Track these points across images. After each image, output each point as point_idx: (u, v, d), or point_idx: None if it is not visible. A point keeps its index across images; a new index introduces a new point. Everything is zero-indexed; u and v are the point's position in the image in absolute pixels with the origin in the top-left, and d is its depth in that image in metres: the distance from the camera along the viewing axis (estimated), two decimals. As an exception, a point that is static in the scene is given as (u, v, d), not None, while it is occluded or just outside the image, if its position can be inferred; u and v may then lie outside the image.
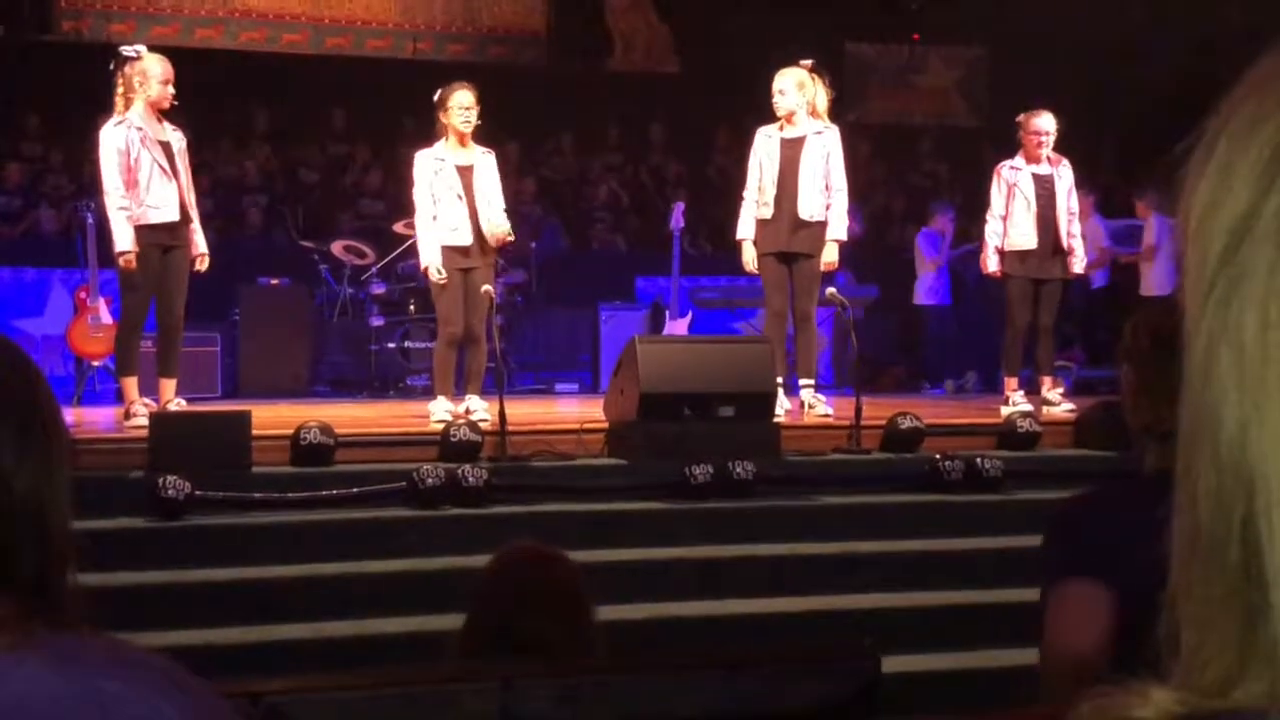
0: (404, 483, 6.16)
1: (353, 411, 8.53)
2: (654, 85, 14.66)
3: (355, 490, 6.19)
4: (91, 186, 9.23)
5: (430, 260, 7.54)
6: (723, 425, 6.81)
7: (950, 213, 12.20)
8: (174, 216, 7.30)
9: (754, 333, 10.40)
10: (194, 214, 7.52)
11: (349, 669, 4.65)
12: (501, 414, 6.74)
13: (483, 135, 7.87)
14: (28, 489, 1.13)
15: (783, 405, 7.57)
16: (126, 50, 7.41)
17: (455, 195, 7.59)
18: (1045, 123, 8.51)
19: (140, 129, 7.22)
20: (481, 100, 7.67)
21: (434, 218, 7.59)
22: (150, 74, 7.27)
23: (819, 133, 7.89)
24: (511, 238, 7.80)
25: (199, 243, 7.48)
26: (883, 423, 7.13)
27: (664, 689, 2.59)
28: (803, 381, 7.99)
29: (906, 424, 7.11)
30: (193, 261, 7.44)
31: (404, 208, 9.20)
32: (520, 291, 11.40)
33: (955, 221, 12.14)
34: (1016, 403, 8.32)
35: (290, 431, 6.42)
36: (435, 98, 7.70)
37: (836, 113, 8.22)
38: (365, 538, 5.97)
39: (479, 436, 6.61)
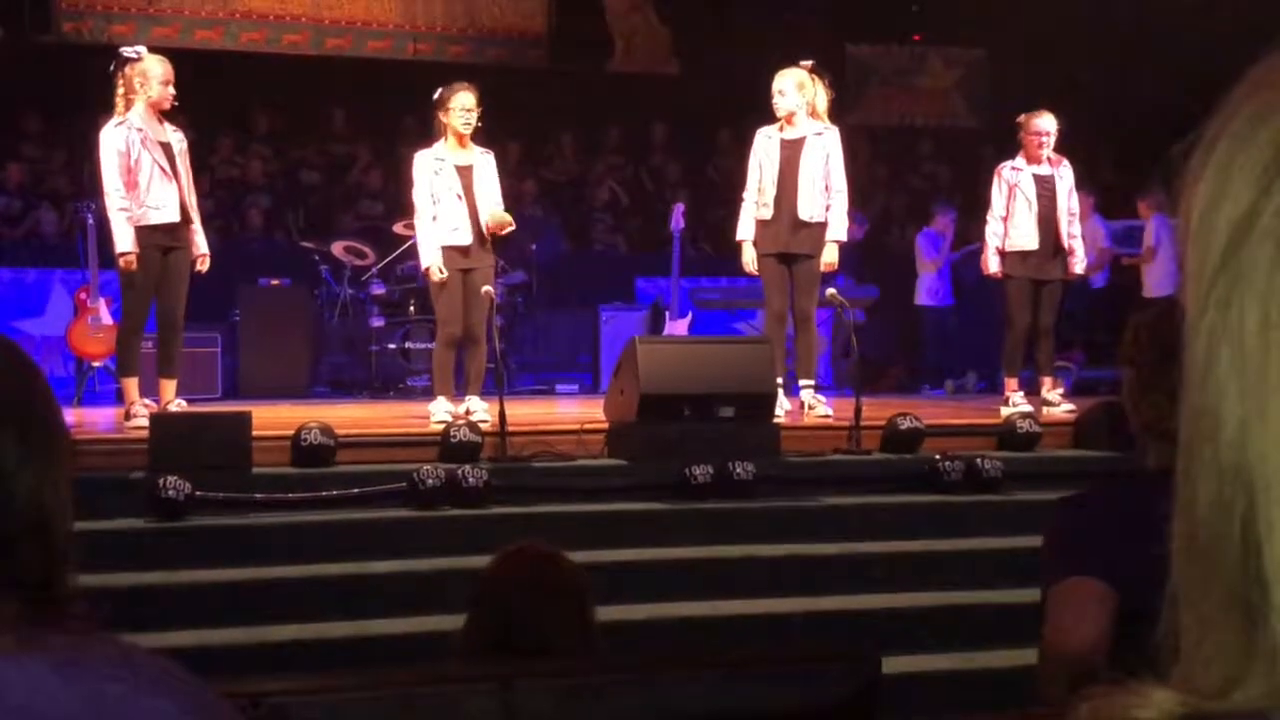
0: (404, 483, 6.16)
1: (353, 412, 8.53)
2: (654, 86, 14.65)
3: (356, 491, 6.19)
4: (92, 187, 9.23)
5: (431, 260, 7.54)
6: (723, 426, 6.81)
7: (951, 213, 12.20)
8: (174, 217, 7.30)
9: (754, 333, 10.39)
10: (195, 215, 7.52)
11: (349, 669, 4.65)
12: (502, 415, 6.74)
13: (483, 136, 7.88)
14: (29, 490, 1.13)
15: (783, 406, 7.58)
16: (127, 51, 7.41)
17: (455, 195, 7.59)
18: (1046, 123, 8.52)
19: (141, 130, 7.22)
20: (482, 101, 7.67)
21: (434, 218, 7.60)
22: (151, 75, 7.27)
23: (819, 134, 7.90)
24: (513, 225, 7.80)
25: (200, 243, 7.48)
26: (883, 423, 7.13)
27: (664, 689, 2.59)
28: (803, 382, 7.99)
29: (906, 425, 7.11)
30: (193, 262, 7.44)
31: (404, 208, 9.19)
32: (520, 292, 11.40)
33: (956, 222, 12.14)
34: (1016, 403, 8.32)
35: (291, 432, 6.42)
36: (435, 96, 7.70)
37: (836, 114, 8.22)
38: (366, 538, 5.98)
39: (479, 437, 6.62)
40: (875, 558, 6.26)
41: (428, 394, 8.42)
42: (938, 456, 6.82)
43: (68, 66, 11.71)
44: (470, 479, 6.16)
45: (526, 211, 11.92)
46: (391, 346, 10.78)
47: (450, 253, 7.55)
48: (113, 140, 7.20)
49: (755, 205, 7.98)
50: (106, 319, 9.72)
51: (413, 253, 9.11)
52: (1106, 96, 13.79)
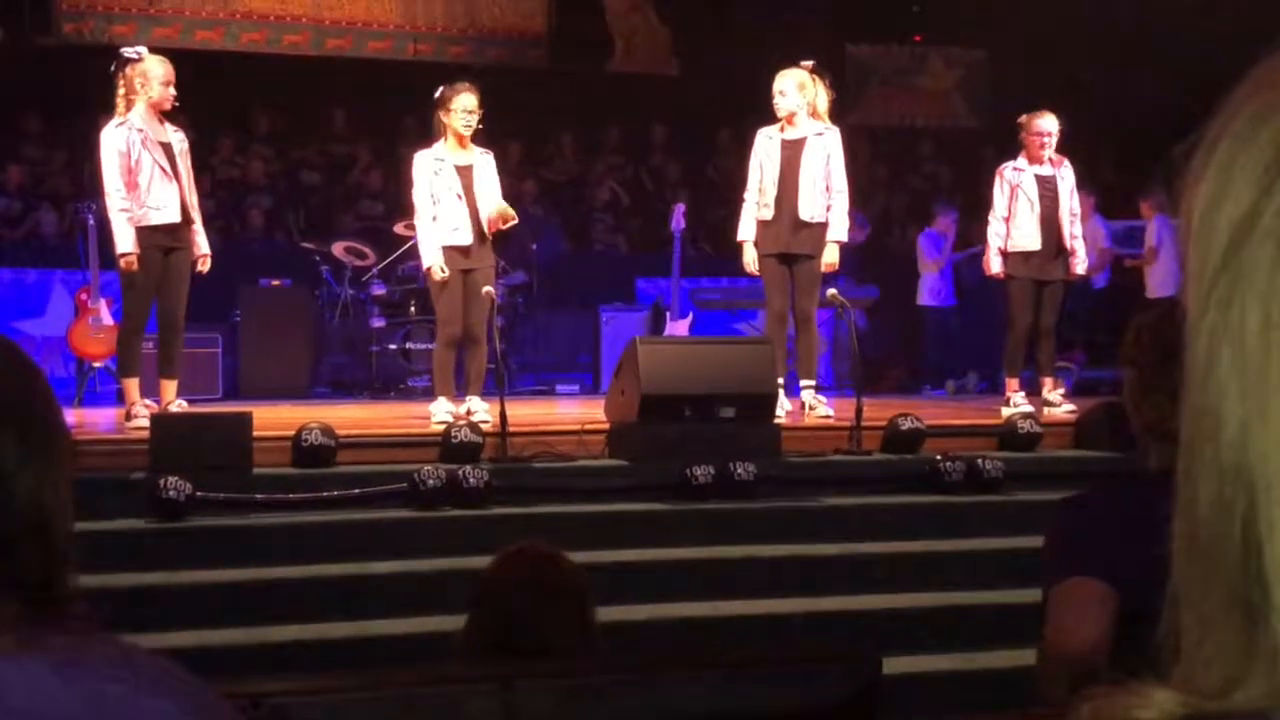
0: (405, 484, 6.16)
1: (354, 413, 8.54)
2: (654, 86, 14.65)
3: (356, 491, 6.19)
4: (93, 188, 9.23)
5: (433, 260, 7.54)
6: (723, 426, 6.81)
7: (953, 214, 12.20)
8: (175, 218, 7.30)
9: (755, 334, 10.40)
10: (196, 215, 7.52)
11: (350, 670, 4.65)
12: (502, 415, 6.74)
13: (483, 137, 7.87)
14: (29, 490, 1.13)
15: (783, 406, 7.58)
16: (128, 52, 7.41)
17: (455, 195, 7.59)
18: (1047, 124, 8.52)
19: (141, 130, 7.22)
20: (482, 102, 7.67)
21: (434, 218, 7.60)
22: (151, 75, 7.27)
23: (819, 134, 7.90)
24: (515, 219, 7.79)
25: (201, 244, 7.48)
26: (883, 424, 7.13)
27: (665, 690, 2.59)
28: (803, 383, 8.00)
29: (907, 425, 7.11)
30: (194, 263, 7.44)
31: (404, 209, 9.20)
32: (521, 293, 11.40)
33: (958, 223, 12.14)
34: (1017, 404, 8.32)
35: (291, 433, 6.42)
36: (437, 95, 7.69)
37: (837, 114, 8.22)
38: (366, 539, 5.98)
39: (480, 438, 6.62)
40: (876, 558, 6.26)
41: (428, 394, 8.42)
42: (939, 457, 6.82)
43: (68, 67, 11.72)
44: (471, 479, 6.16)
45: (527, 211, 11.92)
46: (392, 347, 10.78)
47: (451, 253, 7.55)
48: (113, 141, 7.20)
49: (756, 206, 7.98)
50: (107, 319, 9.73)
51: (413, 253, 9.11)
52: (1107, 97, 13.78)
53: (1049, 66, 12.84)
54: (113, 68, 7.35)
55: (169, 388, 7.43)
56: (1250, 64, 0.67)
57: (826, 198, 7.88)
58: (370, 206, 12.79)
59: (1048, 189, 8.52)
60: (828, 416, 7.68)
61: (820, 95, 7.93)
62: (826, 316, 10.51)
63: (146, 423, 6.55)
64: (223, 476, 6.02)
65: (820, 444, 7.15)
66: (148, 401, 7.31)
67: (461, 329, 7.58)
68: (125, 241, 7.16)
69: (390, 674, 2.95)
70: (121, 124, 7.22)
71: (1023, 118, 8.64)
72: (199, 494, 5.85)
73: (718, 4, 14.53)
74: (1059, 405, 8.36)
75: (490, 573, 2.96)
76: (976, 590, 6.03)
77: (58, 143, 12.61)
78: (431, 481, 6.12)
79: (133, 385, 7.39)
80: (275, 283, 10.91)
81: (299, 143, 13.66)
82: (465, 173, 7.65)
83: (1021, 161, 8.60)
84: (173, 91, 7.32)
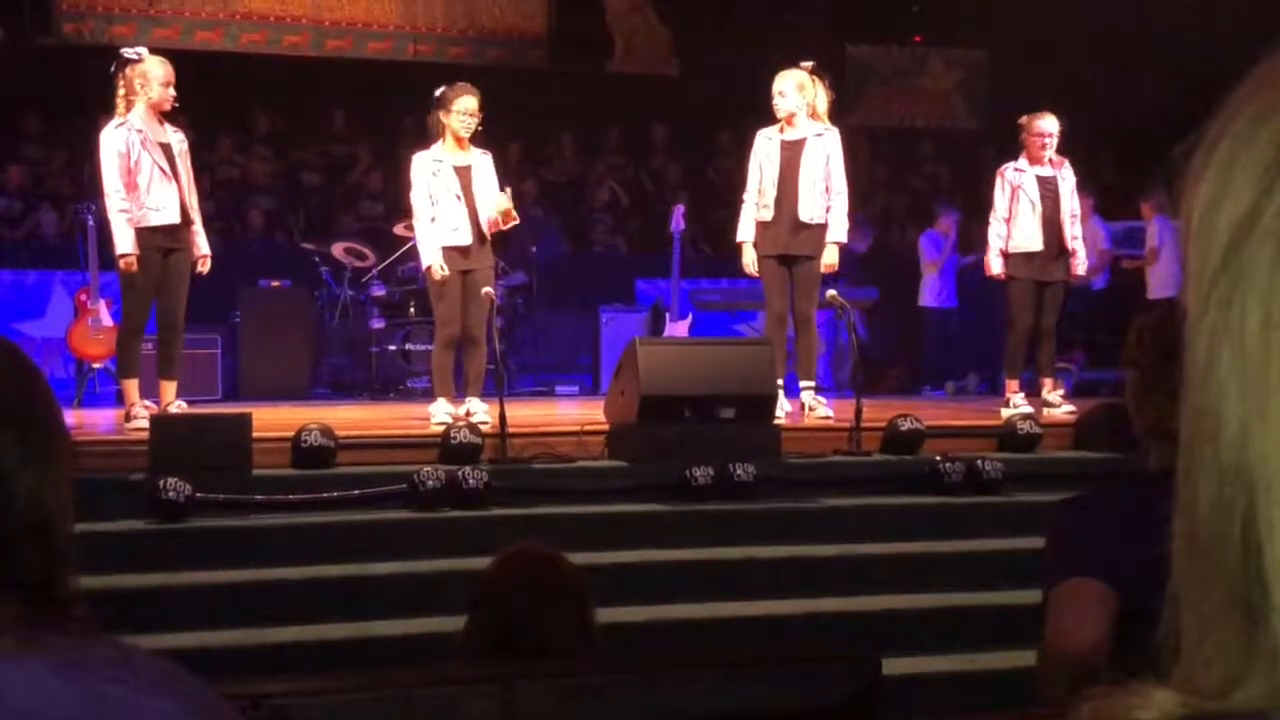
0: (404, 485, 6.16)
1: (353, 414, 8.53)
2: (654, 87, 14.65)
3: (356, 492, 6.19)
4: (92, 189, 9.23)
5: (433, 259, 7.54)
6: (723, 427, 6.81)
7: (955, 215, 12.20)
8: (174, 219, 7.30)
9: (755, 335, 10.40)
10: (195, 216, 7.52)
11: (350, 671, 4.65)
12: (502, 416, 6.74)
13: (483, 137, 7.87)
14: (29, 491, 1.13)
15: (783, 407, 7.58)
16: (128, 52, 7.41)
17: (454, 196, 7.59)
18: (1048, 124, 8.52)
19: (141, 131, 7.23)
20: (482, 105, 7.66)
21: (432, 219, 7.59)
22: (151, 76, 7.27)
23: (819, 135, 7.89)
24: (516, 219, 7.79)
25: (201, 244, 7.48)
26: (883, 425, 7.13)
27: (665, 690, 2.59)
28: (803, 384, 8.00)
29: (907, 426, 7.11)
30: (194, 263, 7.44)
31: (404, 209, 9.20)
32: (521, 293, 11.40)
33: (959, 224, 12.14)
34: (1017, 405, 8.32)
35: (291, 434, 6.42)
36: (437, 94, 7.68)
37: (837, 115, 8.22)
38: (366, 540, 5.98)
39: (479, 439, 6.62)
40: (876, 559, 6.26)
41: (428, 395, 8.42)
42: (938, 458, 6.82)
43: (68, 68, 11.72)
44: (470, 480, 6.16)
45: (527, 212, 11.92)
46: (392, 348, 10.78)
47: (450, 253, 7.55)
48: (113, 141, 7.20)
49: (755, 207, 7.97)
50: (107, 320, 9.73)
51: (413, 254, 9.11)
52: (1107, 97, 13.79)
53: (1049, 67, 12.85)
54: (113, 68, 7.35)
55: (169, 389, 7.43)
56: (1250, 64, 0.67)
57: (826, 199, 7.87)
58: (370, 207, 12.79)
59: (1049, 190, 8.52)
60: (827, 417, 7.68)
61: (820, 96, 7.93)
62: (826, 318, 10.51)
63: (146, 424, 6.55)
64: (222, 477, 6.02)
65: (820, 445, 7.15)
66: (147, 402, 7.31)
67: (460, 330, 7.58)
68: (125, 242, 7.16)
69: (390, 675, 2.95)
70: (121, 125, 7.22)
71: (1023, 119, 8.64)
72: (199, 495, 5.85)
73: (718, 4, 14.54)
74: (1058, 406, 8.36)
75: (490, 574, 2.96)
76: (976, 591, 6.03)
77: (58, 143, 12.61)
78: (431, 482, 6.12)
79: (132, 386, 7.39)
80: (275, 284, 10.91)
81: (299, 143, 13.66)
82: (464, 173, 7.64)
83: (1022, 162, 8.60)
84: (173, 92, 7.32)
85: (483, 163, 7.74)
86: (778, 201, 7.87)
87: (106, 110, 7.34)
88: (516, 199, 7.91)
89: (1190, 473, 0.66)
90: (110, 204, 7.21)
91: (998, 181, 8.64)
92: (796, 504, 6.58)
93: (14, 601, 1.10)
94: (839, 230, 7.91)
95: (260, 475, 6.23)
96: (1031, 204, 8.47)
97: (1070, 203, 8.55)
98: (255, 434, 6.32)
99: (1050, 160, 8.57)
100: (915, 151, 15.24)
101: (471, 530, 5.93)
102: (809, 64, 7.99)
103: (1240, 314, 0.63)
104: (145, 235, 7.22)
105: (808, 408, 7.88)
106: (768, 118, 8.05)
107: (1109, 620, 2.33)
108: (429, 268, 7.59)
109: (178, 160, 7.37)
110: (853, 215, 8.18)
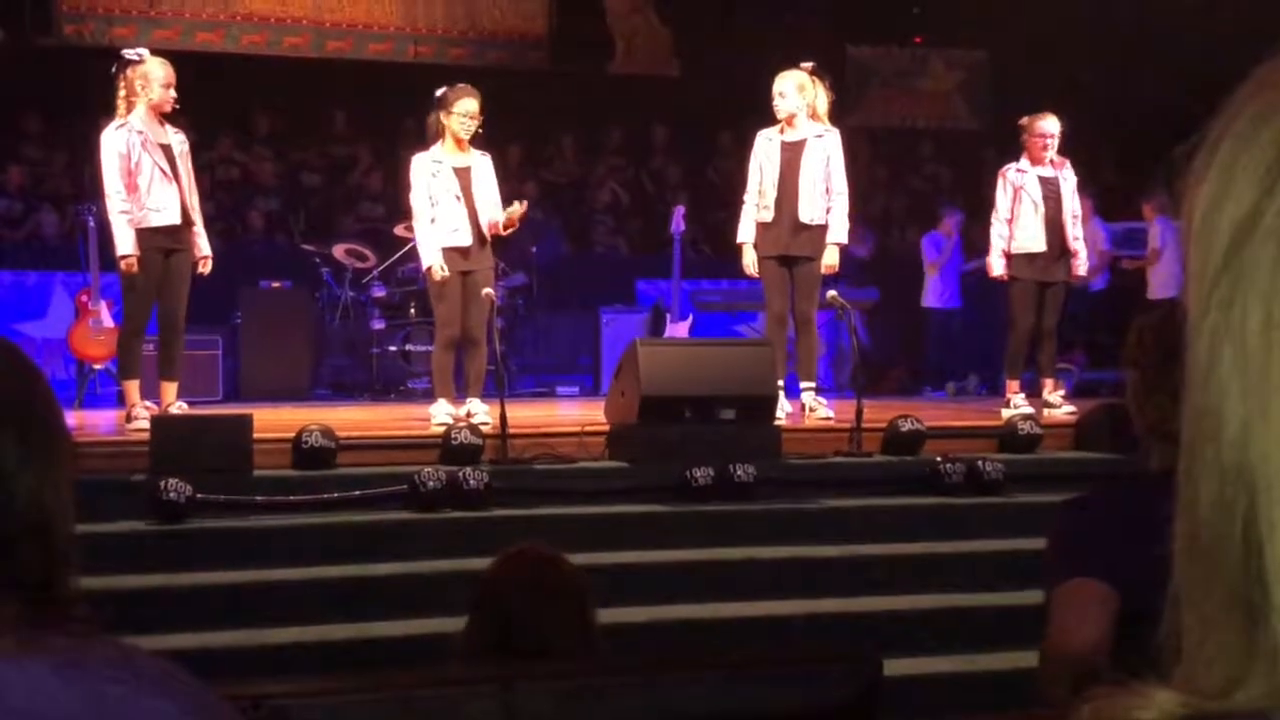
0: (405, 486, 6.16)
1: (354, 414, 8.54)
2: (655, 88, 14.65)
3: (357, 493, 6.19)
4: (93, 190, 9.23)
5: (433, 260, 7.54)
6: (724, 428, 6.81)
7: (957, 216, 12.20)
8: (175, 220, 7.30)
9: (755, 336, 10.39)
10: (196, 217, 7.52)
11: (351, 671, 4.65)
12: (503, 417, 6.74)
13: (484, 139, 7.87)
14: (29, 491, 1.13)
15: (783, 408, 7.58)
16: (128, 53, 7.41)
17: (454, 197, 7.59)
18: (1050, 125, 8.52)
19: (141, 132, 7.23)
20: (482, 104, 7.66)
21: (432, 220, 7.59)
22: (152, 77, 7.28)
23: (819, 136, 7.89)
24: (517, 224, 7.79)
25: (202, 245, 7.48)
26: (884, 425, 7.13)
27: (665, 691, 2.59)
28: (803, 384, 7.99)
29: (907, 427, 7.11)
30: (195, 264, 7.44)
31: (405, 210, 9.19)
32: (521, 294, 11.40)
33: (962, 224, 12.14)
34: (1017, 405, 8.32)
35: (292, 435, 6.43)
36: (438, 95, 7.68)
37: (837, 115, 8.22)
38: (367, 540, 5.98)
39: (480, 439, 6.62)
40: (876, 560, 6.26)
41: (428, 396, 8.42)
42: (939, 458, 6.82)
43: (69, 69, 11.72)
44: (471, 481, 6.16)
45: (527, 213, 11.91)
46: (392, 349, 10.78)
47: (450, 254, 7.55)
48: (113, 143, 7.21)
49: (756, 208, 7.97)
50: (108, 321, 9.73)
51: (413, 255, 9.11)
52: (1108, 98, 13.79)
53: (1050, 68, 12.85)
54: (113, 69, 7.35)
55: (169, 389, 7.43)
56: (1252, 64, 0.67)
57: (826, 200, 7.87)
58: (370, 208, 12.79)
59: (1051, 190, 8.52)
60: (828, 418, 7.68)
61: (820, 97, 7.93)
62: (826, 319, 10.51)
63: (147, 425, 6.55)
64: (223, 478, 6.03)
65: (820, 446, 7.15)
66: (148, 403, 7.31)
67: (460, 331, 7.58)
68: (125, 243, 7.16)
69: (390, 675, 2.95)
70: (122, 126, 7.22)
71: (1024, 119, 8.64)
72: (199, 496, 5.85)
73: (718, 5, 14.54)
74: (1059, 407, 8.36)
75: (490, 574, 2.96)
76: (977, 592, 6.03)
77: (58, 144, 12.61)
78: (432, 483, 6.12)
79: (133, 387, 7.39)
80: (276, 284, 10.91)
81: (299, 144, 13.66)
82: (463, 174, 7.64)
83: (1024, 163, 8.60)
84: (173, 93, 7.32)
85: (482, 164, 7.74)
86: (778, 202, 7.87)
87: (107, 111, 7.34)
88: (517, 201, 7.90)
89: (1191, 473, 0.66)
90: (111, 205, 7.21)
91: (999, 182, 8.64)
92: (797, 505, 6.57)
93: (14, 601, 1.10)
94: (839, 231, 7.91)
95: (261, 476, 6.23)
96: (1034, 205, 8.47)
97: (1072, 203, 8.55)
98: (256, 435, 6.32)
99: (1051, 161, 8.56)
100: (916, 152, 15.24)
101: (472, 531, 5.93)
102: (809, 65, 7.99)
103: (1242, 314, 0.63)
104: (146, 236, 7.23)
105: (808, 408, 7.88)
106: (768, 118, 8.05)
107: (1110, 620, 2.33)
108: (429, 269, 7.59)
109: (178, 161, 7.37)
110: (853, 222, 8.18)
